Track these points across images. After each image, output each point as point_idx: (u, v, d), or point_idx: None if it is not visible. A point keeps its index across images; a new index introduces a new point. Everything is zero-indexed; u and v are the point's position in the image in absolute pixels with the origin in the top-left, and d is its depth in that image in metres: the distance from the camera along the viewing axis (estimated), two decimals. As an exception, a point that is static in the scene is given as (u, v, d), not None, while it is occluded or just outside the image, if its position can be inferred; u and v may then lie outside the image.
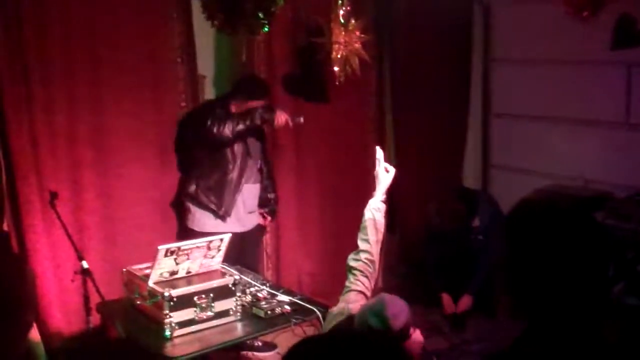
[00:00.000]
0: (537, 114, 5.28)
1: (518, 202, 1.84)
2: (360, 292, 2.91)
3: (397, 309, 2.57)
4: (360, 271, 2.96)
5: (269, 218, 4.72)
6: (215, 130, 4.19)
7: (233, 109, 4.31)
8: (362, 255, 3.00)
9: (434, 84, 5.46)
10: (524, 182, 5.05)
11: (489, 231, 4.65)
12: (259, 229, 4.72)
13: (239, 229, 4.37)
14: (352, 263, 3.00)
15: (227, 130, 4.20)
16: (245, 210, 4.48)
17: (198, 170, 4.42)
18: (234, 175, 4.37)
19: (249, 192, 4.49)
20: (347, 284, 2.98)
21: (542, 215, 1.72)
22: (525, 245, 1.69)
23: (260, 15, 3.98)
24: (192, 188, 4.40)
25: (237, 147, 4.36)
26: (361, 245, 3.05)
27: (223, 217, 4.36)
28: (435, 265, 4.86)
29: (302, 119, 4.44)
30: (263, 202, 4.64)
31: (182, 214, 4.49)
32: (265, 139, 4.65)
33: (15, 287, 1.67)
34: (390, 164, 5.40)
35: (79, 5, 4.04)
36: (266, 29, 4.14)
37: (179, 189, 4.51)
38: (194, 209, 4.41)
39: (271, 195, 4.68)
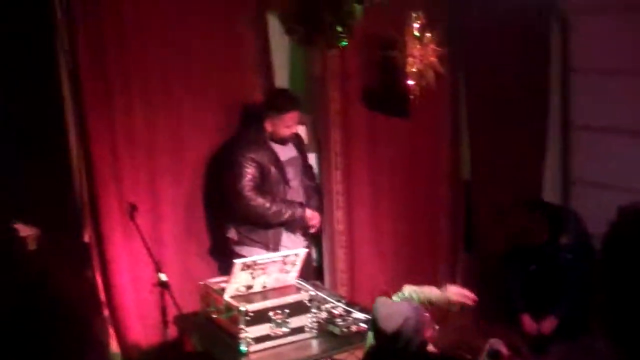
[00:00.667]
0: (619, 125, 5.07)
1: (614, 223, 1.77)
2: None
3: (387, 311, 2.68)
4: None
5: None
6: (243, 193, 4.07)
7: (268, 127, 4.18)
8: None
9: (510, 96, 5.31)
10: (605, 197, 4.88)
11: (577, 250, 4.47)
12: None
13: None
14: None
15: (256, 198, 4.08)
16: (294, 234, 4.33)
17: (233, 214, 4.22)
18: (273, 210, 4.13)
19: None
20: None
21: None
22: (627, 266, 1.62)
23: (339, 29, 3.95)
24: (233, 233, 4.22)
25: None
26: None
27: (275, 250, 4.17)
28: (517, 284, 4.68)
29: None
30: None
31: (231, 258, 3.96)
32: (302, 152, 4.46)
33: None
34: (465, 179, 5.40)
35: (156, 17, 4.10)
36: (344, 43, 4.11)
37: (219, 232, 4.35)
38: (243, 250, 4.17)
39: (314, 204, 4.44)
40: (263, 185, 4.13)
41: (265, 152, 4.16)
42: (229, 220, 4.24)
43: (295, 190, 4.32)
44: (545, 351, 4.56)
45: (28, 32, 3.85)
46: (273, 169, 4.17)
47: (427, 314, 2.81)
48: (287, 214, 4.14)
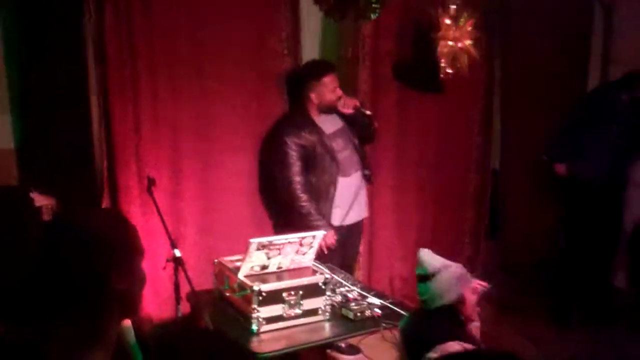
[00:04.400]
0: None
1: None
2: None
3: (431, 254, 2.84)
4: None
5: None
6: (280, 174, 4.12)
7: (315, 98, 4.17)
8: None
9: (547, 85, 5.18)
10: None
11: None
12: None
13: (347, 221, 4.30)
14: None
15: (294, 175, 4.09)
16: (353, 202, 4.32)
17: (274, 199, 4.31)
18: (305, 210, 4.11)
19: (351, 184, 4.31)
20: None
21: None
22: None
23: None
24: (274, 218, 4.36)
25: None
26: None
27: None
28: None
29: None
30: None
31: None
32: (353, 121, 4.33)
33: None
34: (494, 167, 5.27)
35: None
36: (375, 15, 3.98)
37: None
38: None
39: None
40: (308, 165, 4.14)
41: (309, 132, 4.13)
42: (269, 205, 4.36)
43: (348, 160, 4.28)
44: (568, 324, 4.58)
45: (55, 7, 3.85)
46: (319, 148, 4.14)
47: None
48: (309, 222, 4.07)
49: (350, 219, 4.33)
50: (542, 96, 5.17)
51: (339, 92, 4.19)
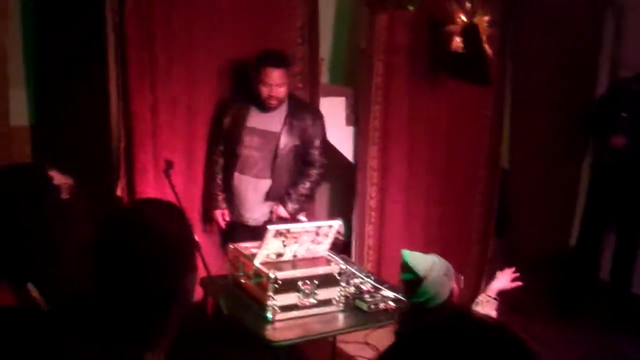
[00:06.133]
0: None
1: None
2: None
3: (416, 255, 2.78)
4: None
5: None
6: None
7: (252, 83, 4.02)
8: None
9: (557, 84, 5.21)
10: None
11: None
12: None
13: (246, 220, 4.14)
14: None
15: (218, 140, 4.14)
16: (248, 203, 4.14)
17: None
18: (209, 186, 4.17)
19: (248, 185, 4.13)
20: None
21: None
22: None
23: None
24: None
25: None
26: None
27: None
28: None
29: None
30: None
31: None
32: (303, 138, 4.10)
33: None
34: (503, 164, 5.29)
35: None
36: (414, 6, 3.97)
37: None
38: None
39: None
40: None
41: (236, 107, 4.08)
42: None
43: (252, 162, 4.05)
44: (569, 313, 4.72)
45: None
46: (235, 129, 4.06)
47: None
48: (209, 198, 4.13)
49: (250, 220, 4.14)
50: (552, 97, 5.20)
51: (277, 92, 3.95)
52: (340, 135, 4.79)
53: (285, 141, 4.05)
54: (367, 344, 4.37)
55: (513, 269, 3.10)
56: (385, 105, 4.75)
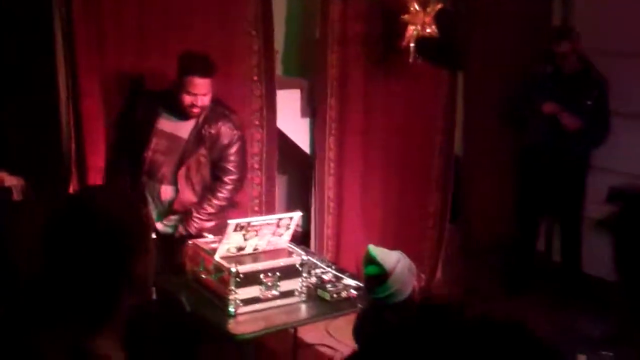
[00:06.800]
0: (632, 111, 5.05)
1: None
2: None
3: (383, 251, 2.82)
4: None
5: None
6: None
7: (174, 89, 3.73)
8: None
9: (508, 73, 5.28)
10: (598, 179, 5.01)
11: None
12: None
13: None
14: None
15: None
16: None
17: None
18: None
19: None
20: None
21: None
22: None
23: None
24: None
25: None
26: None
27: None
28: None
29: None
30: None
31: None
32: (212, 147, 3.84)
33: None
34: (456, 154, 5.37)
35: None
36: None
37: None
38: None
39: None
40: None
41: (147, 106, 3.79)
42: None
43: (155, 165, 3.80)
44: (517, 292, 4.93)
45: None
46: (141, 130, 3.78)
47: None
48: None
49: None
50: (502, 81, 5.27)
51: (202, 100, 3.69)
52: (296, 127, 4.79)
53: (192, 149, 3.80)
54: (328, 332, 4.40)
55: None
56: (341, 97, 4.76)
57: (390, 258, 2.80)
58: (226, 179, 3.87)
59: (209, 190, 3.86)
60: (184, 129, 3.81)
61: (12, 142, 3.85)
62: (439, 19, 4.56)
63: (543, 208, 5.32)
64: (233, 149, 3.86)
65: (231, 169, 3.87)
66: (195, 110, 3.73)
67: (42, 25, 3.78)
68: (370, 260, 2.83)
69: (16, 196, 3.49)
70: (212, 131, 3.80)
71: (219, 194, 3.86)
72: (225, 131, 3.84)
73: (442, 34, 4.59)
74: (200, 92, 3.68)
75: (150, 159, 3.80)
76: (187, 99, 3.68)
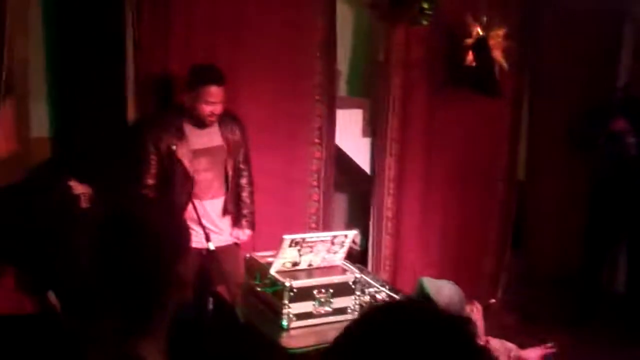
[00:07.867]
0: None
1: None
2: None
3: (437, 284, 2.80)
4: None
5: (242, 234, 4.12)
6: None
7: (186, 102, 3.84)
8: None
9: (575, 98, 5.21)
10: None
11: None
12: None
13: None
14: None
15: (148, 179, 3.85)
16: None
17: None
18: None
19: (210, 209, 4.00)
20: None
21: None
22: None
23: (425, 5, 3.87)
24: None
25: None
26: None
27: None
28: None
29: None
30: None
31: None
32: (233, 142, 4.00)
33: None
34: (518, 179, 5.31)
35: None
36: (427, 21, 4.01)
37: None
38: None
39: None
40: (166, 174, 3.84)
41: (173, 138, 3.81)
42: None
43: (208, 182, 3.92)
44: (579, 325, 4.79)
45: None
46: (177, 159, 3.81)
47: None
48: None
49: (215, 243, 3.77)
50: (570, 109, 5.20)
51: (217, 109, 3.81)
52: (357, 146, 4.84)
53: (232, 151, 3.99)
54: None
55: (550, 345, 3.07)
56: (403, 117, 4.79)
57: (442, 293, 2.78)
58: (244, 173, 4.09)
59: (238, 187, 4.06)
60: (215, 136, 3.95)
61: (84, 151, 4.01)
62: (475, 47, 4.55)
63: (613, 239, 5.17)
64: (245, 146, 4.08)
65: (244, 163, 4.09)
66: (213, 118, 3.87)
67: (112, 33, 3.93)
68: (423, 295, 2.82)
69: (84, 204, 3.62)
70: (230, 135, 3.98)
71: (246, 189, 4.10)
72: (239, 130, 4.03)
73: (478, 61, 4.58)
74: (217, 99, 3.81)
75: (199, 180, 3.89)
76: (206, 109, 3.80)
